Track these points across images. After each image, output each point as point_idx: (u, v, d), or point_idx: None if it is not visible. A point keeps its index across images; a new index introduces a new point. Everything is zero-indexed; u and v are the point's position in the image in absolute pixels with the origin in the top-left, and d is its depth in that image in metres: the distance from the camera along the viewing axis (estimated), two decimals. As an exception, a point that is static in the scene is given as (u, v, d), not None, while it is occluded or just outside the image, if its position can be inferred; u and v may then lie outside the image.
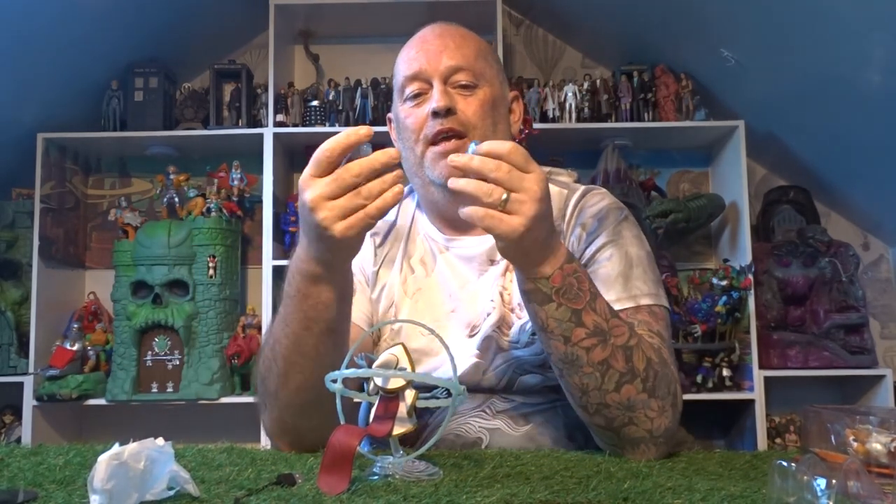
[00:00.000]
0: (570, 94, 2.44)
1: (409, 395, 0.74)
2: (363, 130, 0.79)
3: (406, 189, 1.19)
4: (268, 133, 2.39)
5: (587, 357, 0.86)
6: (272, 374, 0.93)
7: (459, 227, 1.10)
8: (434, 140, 1.03)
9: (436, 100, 1.02)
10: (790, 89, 2.21)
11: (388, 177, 0.79)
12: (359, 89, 2.45)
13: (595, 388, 0.87)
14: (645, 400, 0.87)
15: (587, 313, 0.86)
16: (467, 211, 0.80)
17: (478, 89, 1.05)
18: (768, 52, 2.13)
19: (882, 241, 2.65)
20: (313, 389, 0.87)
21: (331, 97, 2.46)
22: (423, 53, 1.06)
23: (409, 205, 1.18)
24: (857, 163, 2.32)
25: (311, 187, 0.80)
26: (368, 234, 1.12)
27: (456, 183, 0.80)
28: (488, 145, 0.80)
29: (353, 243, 0.83)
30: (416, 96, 1.05)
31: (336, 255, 0.85)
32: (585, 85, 2.50)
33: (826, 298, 2.36)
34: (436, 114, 1.02)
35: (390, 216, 1.17)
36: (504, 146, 0.80)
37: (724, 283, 2.26)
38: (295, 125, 2.44)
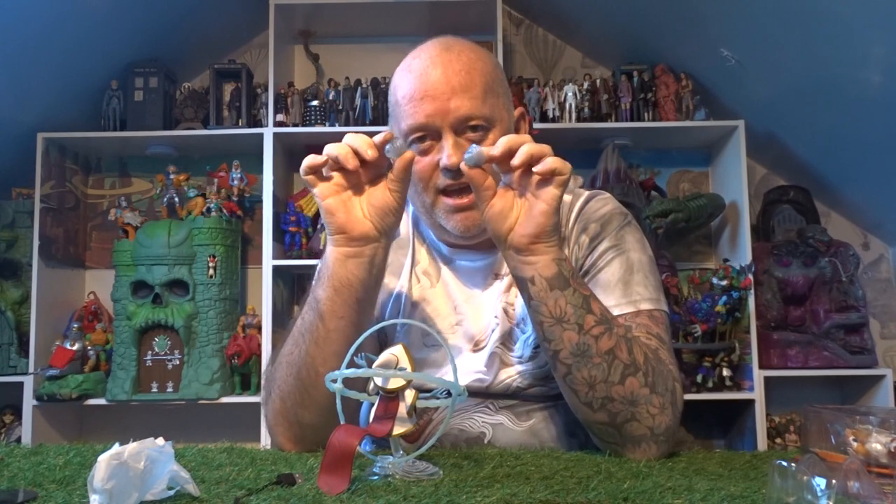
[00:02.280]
0: (570, 94, 2.44)
1: (409, 395, 0.74)
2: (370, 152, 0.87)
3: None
4: (268, 133, 2.39)
5: (596, 346, 0.88)
6: (282, 354, 0.97)
7: (465, 243, 1.10)
8: (446, 191, 1.01)
9: (447, 155, 0.97)
10: (790, 89, 2.21)
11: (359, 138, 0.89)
12: (359, 89, 2.45)
13: (601, 381, 0.88)
14: (647, 395, 0.89)
15: (594, 300, 0.90)
16: (551, 163, 0.84)
17: (489, 133, 1.00)
18: (768, 52, 2.13)
19: (882, 240, 2.65)
20: (310, 374, 0.91)
21: (331, 97, 2.46)
22: (429, 102, 0.97)
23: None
24: (857, 162, 2.32)
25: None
26: None
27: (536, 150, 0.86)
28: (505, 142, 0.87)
29: (329, 203, 0.89)
30: (421, 141, 1.00)
31: (330, 225, 0.91)
32: (585, 85, 2.50)
33: (826, 298, 2.36)
34: (447, 169, 0.98)
35: None
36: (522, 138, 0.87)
37: (724, 282, 2.26)
38: (295, 125, 2.43)
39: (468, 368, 1.03)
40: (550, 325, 0.89)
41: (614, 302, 0.99)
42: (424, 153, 1.00)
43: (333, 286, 0.91)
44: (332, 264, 0.91)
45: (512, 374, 1.03)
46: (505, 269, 1.07)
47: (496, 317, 1.05)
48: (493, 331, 1.05)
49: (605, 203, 1.10)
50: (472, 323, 1.06)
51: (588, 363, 0.88)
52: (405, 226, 1.16)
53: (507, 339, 1.04)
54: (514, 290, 1.05)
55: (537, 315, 0.90)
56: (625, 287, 1.01)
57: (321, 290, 0.92)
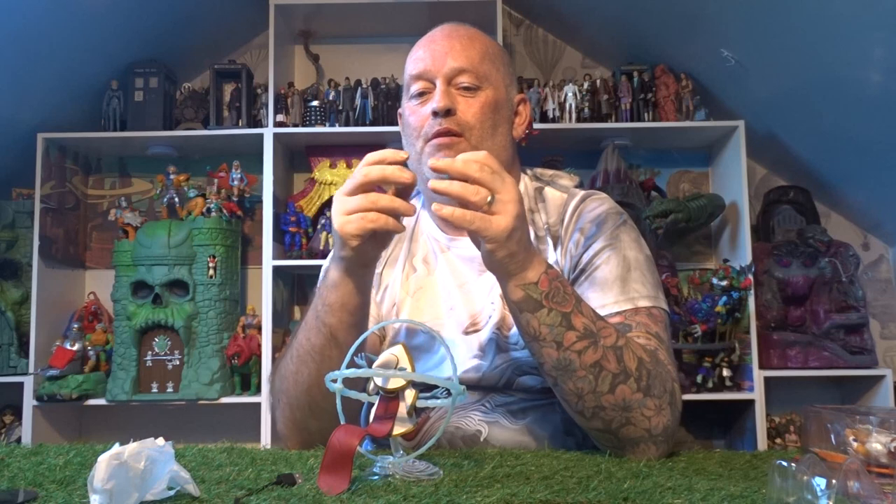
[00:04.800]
0: (570, 94, 2.44)
1: (409, 394, 0.74)
2: (406, 175, 0.83)
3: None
4: (268, 133, 2.39)
5: (580, 360, 0.87)
6: (288, 370, 0.98)
7: (458, 227, 1.11)
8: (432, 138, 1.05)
9: (436, 100, 1.05)
10: (790, 89, 2.21)
11: (400, 201, 0.84)
12: (359, 89, 2.45)
13: (590, 392, 0.88)
14: (640, 399, 0.88)
15: (576, 316, 0.87)
16: (455, 214, 0.81)
17: (480, 91, 1.07)
18: (768, 52, 2.13)
19: (882, 241, 2.65)
20: (319, 391, 0.90)
21: (331, 97, 2.46)
22: (429, 54, 1.09)
23: (414, 204, 1.18)
24: (857, 163, 2.32)
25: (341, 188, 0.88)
26: None
27: (439, 184, 0.82)
28: (464, 155, 0.83)
29: (353, 242, 0.85)
30: (420, 95, 1.08)
31: (346, 256, 0.88)
32: (585, 85, 2.50)
33: (826, 298, 2.36)
34: (435, 113, 1.04)
35: None
36: (479, 154, 0.83)
37: (724, 283, 2.25)
38: (295, 125, 2.43)
39: (462, 351, 1.05)
40: (529, 342, 0.90)
41: (613, 299, 0.99)
42: (422, 104, 1.08)
43: (350, 312, 0.92)
44: (355, 294, 0.91)
45: (508, 360, 1.04)
46: None
47: (492, 303, 1.06)
48: (490, 316, 1.06)
49: (601, 203, 1.10)
50: (466, 307, 1.08)
51: (572, 376, 0.88)
52: (408, 220, 1.17)
53: (502, 325, 1.05)
54: None
55: (518, 329, 0.91)
56: (623, 284, 1.00)
57: (332, 317, 0.91)
